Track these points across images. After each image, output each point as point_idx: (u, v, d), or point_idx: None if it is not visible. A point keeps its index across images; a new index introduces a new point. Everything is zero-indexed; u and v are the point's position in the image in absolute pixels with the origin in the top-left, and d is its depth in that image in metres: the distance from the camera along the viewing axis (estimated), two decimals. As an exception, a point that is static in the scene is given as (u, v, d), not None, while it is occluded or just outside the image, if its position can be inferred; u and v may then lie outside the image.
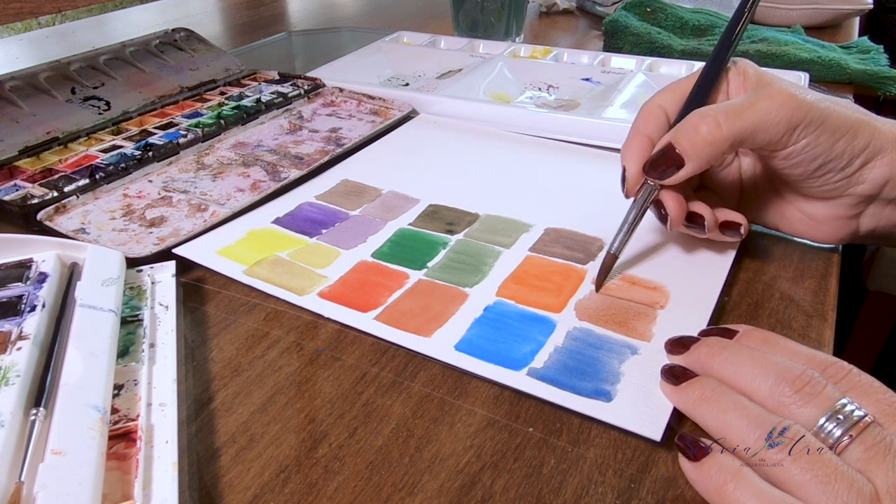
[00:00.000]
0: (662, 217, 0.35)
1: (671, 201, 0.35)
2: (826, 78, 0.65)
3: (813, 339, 0.33)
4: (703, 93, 0.36)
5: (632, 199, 0.36)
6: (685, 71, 0.63)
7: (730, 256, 0.38)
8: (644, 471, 0.26)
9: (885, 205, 0.35)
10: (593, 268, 0.38)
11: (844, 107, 0.33)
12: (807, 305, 0.35)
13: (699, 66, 0.62)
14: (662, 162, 0.34)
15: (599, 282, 0.36)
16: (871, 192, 0.34)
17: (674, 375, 0.29)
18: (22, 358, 0.28)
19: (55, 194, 0.44)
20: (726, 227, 0.36)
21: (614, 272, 0.37)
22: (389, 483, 0.26)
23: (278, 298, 0.36)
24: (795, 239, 0.40)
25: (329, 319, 0.35)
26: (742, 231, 0.36)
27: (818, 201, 0.36)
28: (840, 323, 0.34)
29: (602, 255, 0.39)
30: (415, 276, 0.37)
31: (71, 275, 0.34)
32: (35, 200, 0.43)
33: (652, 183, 0.35)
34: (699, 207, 0.35)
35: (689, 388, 0.28)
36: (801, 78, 0.60)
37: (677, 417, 0.28)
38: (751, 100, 0.33)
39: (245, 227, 0.42)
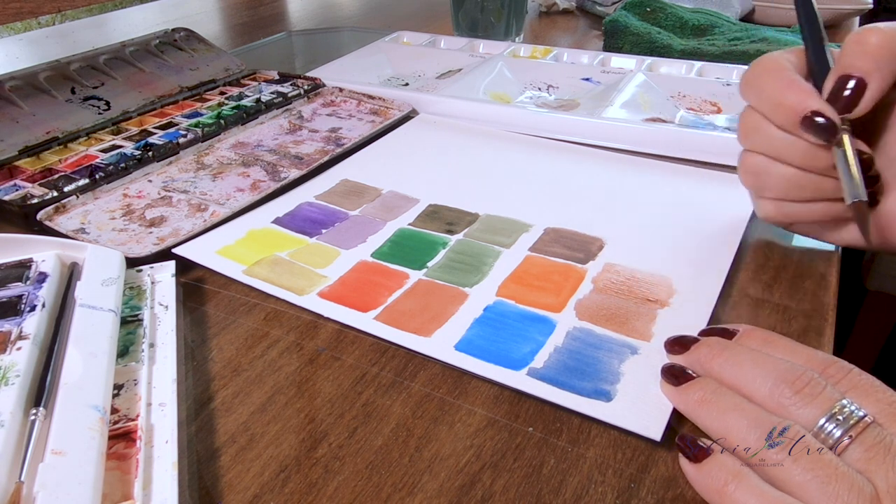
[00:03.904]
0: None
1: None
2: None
3: (813, 338, 0.33)
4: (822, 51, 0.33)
5: (834, 149, 0.32)
6: (685, 71, 0.63)
7: (729, 256, 0.38)
8: (644, 471, 0.26)
9: None
10: (593, 267, 0.38)
11: None
12: (807, 305, 0.35)
13: (700, 65, 0.63)
14: (842, 94, 0.31)
15: (866, 229, 0.32)
16: None
17: (673, 375, 0.29)
18: (22, 358, 0.28)
19: (55, 194, 0.44)
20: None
21: (615, 269, 0.37)
22: (389, 483, 0.26)
23: (278, 298, 0.36)
24: (796, 238, 0.40)
25: (329, 319, 0.35)
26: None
27: None
28: (840, 323, 0.34)
29: (601, 254, 0.39)
30: (415, 275, 0.37)
31: (71, 275, 0.34)
32: (35, 200, 0.43)
33: (845, 126, 0.31)
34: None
35: (689, 389, 0.28)
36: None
37: (677, 417, 0.28)
38: None
39: (245, 226, 0.42)
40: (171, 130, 0.53)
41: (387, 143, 0.54)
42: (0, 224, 0.44)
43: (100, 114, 0.55)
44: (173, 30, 0.67)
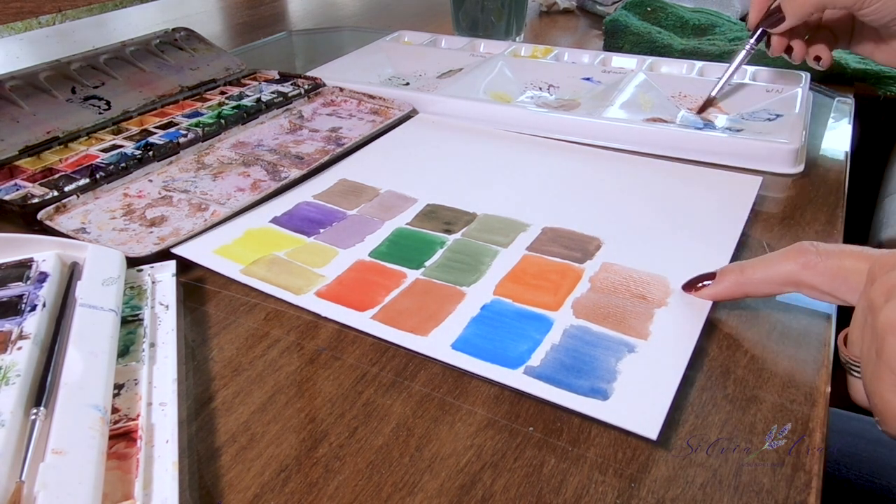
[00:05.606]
0: (780, 48, 0.53)
1: (777, 42, 0.53)
2: (826, 78, 0.65)
3: (814, 336, 0.33)
4: None
5: (742, 51, 0.55)
6: (686, 70, 0.63)
7: (726, 256, 0.38)
8: (644, 471, 0.26)
9: None
10: (590, 267, 0.38)
11: None
12: (808, 305, 0.35)
13: (700, 65, 0.63)
14: (773, 16, 0.51)
15: (702, 109, 0.57)
16: None
17: (705, 276, 0.34)
18: (22, 357, 0.29)
19: (55, 194, 0.44)
20: (816, 59, 0.53)
21: (612, 268, 0.37)
22: (390, 482, 0.26)
23: (278, 298, 0.36)
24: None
25: (327, 319, 0.35)
26: (822, 65, 0.53)
27: None
28: (841, 322, 0.34)
29: (599, 254, 0.39)
30: (412, 275, 0.37)
31: (71, 274, 0.34)
32: (35, 200, 0.43)
33: (766, 29, 0.53)
34: (797, 45, 0.53)
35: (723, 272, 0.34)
36: (802, 78, 0.60)
37: (674, 418, 0.28)
38: None
39: (243, 226, 0.42)
40: (172, 130, 0.53)
41: (386, 143, 0.54)
42: (0, 224, 0.44)
43: (100, 113, 0.55)
44: (174, 29, 0.67)
